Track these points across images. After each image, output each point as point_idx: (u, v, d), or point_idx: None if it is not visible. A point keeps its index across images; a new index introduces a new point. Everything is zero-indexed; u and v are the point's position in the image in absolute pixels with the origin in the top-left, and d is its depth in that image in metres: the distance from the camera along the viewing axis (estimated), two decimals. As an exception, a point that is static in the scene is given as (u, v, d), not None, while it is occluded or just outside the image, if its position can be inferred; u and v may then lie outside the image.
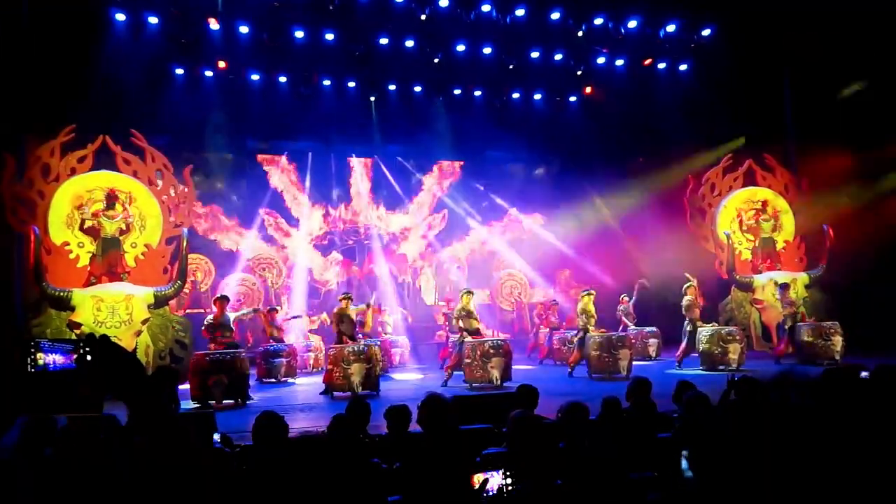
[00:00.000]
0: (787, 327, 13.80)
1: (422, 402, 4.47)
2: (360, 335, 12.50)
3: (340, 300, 12.22)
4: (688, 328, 13.44)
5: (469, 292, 12.71)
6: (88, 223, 12.23)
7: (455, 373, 12.09)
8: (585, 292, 13.46)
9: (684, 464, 3.72)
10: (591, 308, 13.17)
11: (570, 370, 13.05)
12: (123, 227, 12.47)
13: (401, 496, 3.86)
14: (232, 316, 11.75)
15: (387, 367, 14.21)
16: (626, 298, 16.27)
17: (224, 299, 11.85)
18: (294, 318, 16.07)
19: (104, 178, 12.53)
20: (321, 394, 11.19)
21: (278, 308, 15.96)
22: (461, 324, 12.25)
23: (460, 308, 12.43)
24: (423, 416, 4.35)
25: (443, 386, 11.72)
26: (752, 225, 16.11)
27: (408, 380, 13.47)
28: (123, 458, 4.03)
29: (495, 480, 3.78)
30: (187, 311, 16.69)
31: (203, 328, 11.49)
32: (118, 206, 12.43)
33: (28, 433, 4.31)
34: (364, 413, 5.10)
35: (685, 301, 13.54)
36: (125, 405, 1.54)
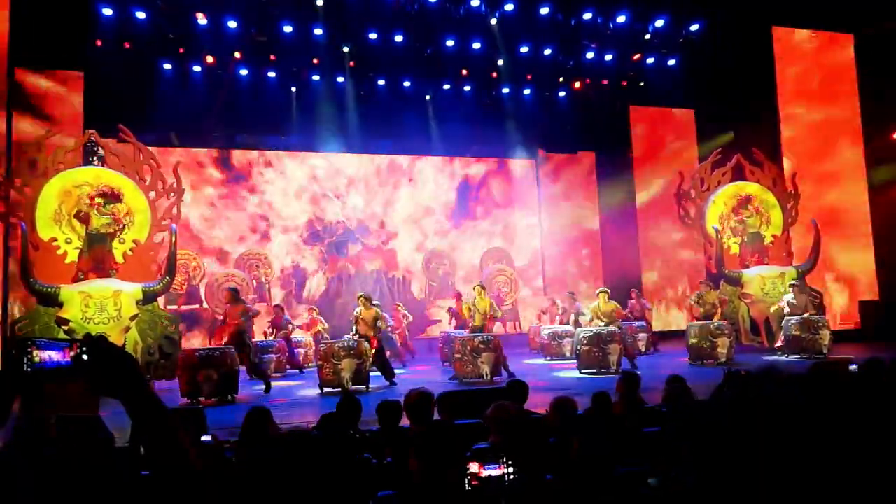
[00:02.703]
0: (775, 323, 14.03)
1: (405, 398, 4.49)
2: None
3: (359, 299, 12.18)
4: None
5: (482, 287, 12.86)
6: (84, 210, 12.12)
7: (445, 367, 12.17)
8: (601, 290, 13.61)
9: (682, 458, 3.74)
10: (607, 307, 13.32)
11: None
12: (112, 228, 12.34)
13: (392, 491, 3.86)
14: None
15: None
16: (636, 292, 16.67)
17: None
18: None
19: (92, 174, 12.43)
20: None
21: (283, 306, 15.97)
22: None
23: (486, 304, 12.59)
24: (408, 411, 4.37)
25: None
26: (740, 221, 16.13)
27: (398, 374, 13.44)
28: (123, 458, 4.02)
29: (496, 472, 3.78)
30: (182, 307, 16.75)
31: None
32: (120, 206, 12.30)
33: (24, 432, 4.28)
34: (355, 409, 5.11)
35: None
36: (122, 404, 1.53)
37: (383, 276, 19.92)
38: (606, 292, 13.45)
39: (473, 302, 12.49)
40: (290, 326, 14.98)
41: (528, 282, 20.99)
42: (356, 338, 11.39)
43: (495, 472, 3.76)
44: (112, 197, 12.27)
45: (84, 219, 12.11)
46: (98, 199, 12.23)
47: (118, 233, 12.38)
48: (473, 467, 3.73)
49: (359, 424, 5.29)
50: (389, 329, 14.21)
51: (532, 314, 19.24)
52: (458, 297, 17.11)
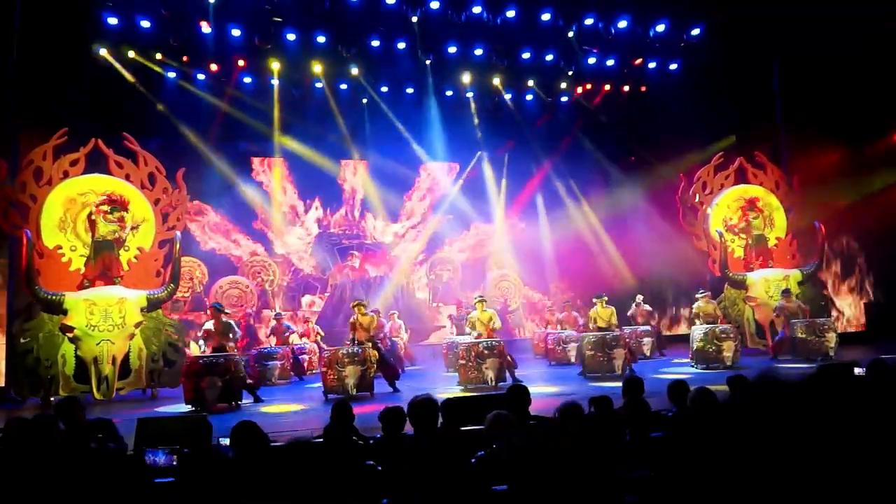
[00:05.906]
0: (780, 328, 14.01)
1: (409, 405, 4.49)
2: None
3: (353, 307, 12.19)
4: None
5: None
6: (92, 217, 12.19)
7: (449, 374, 12.18)
8: (597, 297, 13.86)
9: (684, 463, 3.71)
10: (601, 314, 13.46)
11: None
12: (119, 234, 12.39)
13: (396, 499, 3.86)
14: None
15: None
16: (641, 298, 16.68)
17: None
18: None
19: (97, 182, 12.48)
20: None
21: (282, 314, 16.04)
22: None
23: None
24: (412, 418, 4.38)
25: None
26: (744, 225, 16.07)
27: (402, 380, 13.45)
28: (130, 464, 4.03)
29: None
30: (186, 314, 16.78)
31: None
32: (126, 214, 12.37)
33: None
34: (346, 414, 5.17)
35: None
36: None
37: (387, 282, 19.91)
38: (603, 298, 13.68)
39: (475, 316, 12.52)
40: (288, 334, 15.01)
41: (530, 287, 20.96)
42: (357, 344, 11.38)
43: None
44: (119, 204, 12.33)
45: (91, 226, 12.18)
46: (104, 207, 12.30)
47: (124, 240, 12.45)
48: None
49: (354, 429, 5.32)
50: (384, 336, 14.20)
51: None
52: (459, 304, 17.17)
